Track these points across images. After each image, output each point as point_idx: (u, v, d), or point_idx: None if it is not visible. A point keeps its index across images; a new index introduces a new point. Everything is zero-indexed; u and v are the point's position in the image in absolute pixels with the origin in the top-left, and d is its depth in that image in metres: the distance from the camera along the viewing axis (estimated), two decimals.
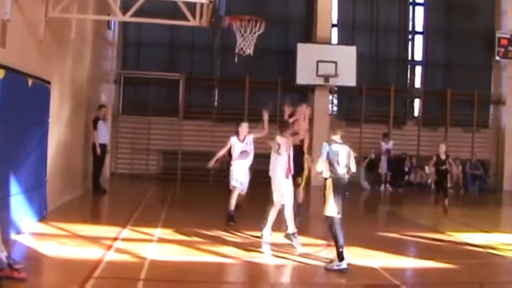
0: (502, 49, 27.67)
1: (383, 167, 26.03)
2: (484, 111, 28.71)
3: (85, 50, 18.62)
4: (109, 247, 10.71)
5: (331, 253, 10.60)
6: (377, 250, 11.59)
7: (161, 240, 11.83)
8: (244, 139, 14.50)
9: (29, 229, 11.65)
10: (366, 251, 11.42)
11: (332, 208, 10.24)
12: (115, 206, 17.87)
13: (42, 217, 13.02)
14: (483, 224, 16.02)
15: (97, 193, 18.92)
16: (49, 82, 13.37)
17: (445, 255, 11.75)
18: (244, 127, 14.62)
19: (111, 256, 10.11)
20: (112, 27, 23.84)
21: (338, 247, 10.05)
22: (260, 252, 11.42)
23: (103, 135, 19.43)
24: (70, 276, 8.69)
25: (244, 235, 12.72)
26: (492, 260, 11.68)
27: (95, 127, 18.93)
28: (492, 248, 12.47)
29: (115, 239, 11.52)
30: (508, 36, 27.70)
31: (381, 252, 11.44)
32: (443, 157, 18.18)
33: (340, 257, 9.99)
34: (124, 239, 11.63)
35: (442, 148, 18.36)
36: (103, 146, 19.25)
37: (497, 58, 27.86)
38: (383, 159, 26.04)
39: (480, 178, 27.10)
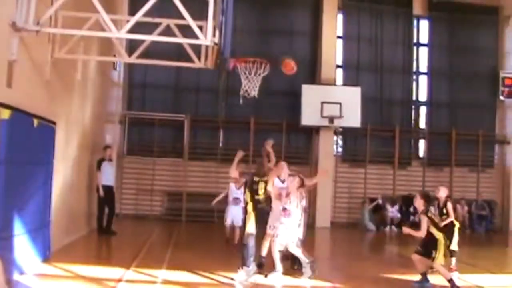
0: (506, 89, 27.76)
1: (393, 212, 25.88)
2: (489, 151, 28.69)
3: (91, 91, 18.70)
4: None
5: None
6: None
7: (165, 282, 11.74)
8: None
9: (32, 270, 11.59)
10: None
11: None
12: (119, 247, 17.78)
13: (46, 258, 12.95)
14: (490, 265, 15.90)
15: (100, 235, 18.69)
16: (54, 123, 13.41)
17: None
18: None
19: None
20: (118, 68, 23.97)
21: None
22: None
23: (108, 176, 19.15)
24: None
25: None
26: None
27: (98, 168, 18.82)
28: None
29: (119, 280, 11.45)
30: None
31: None
32: (441, 203, 14.80)
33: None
34: (128, 281, 11.55)
35: (441, 191, 15.05)
36: (107, 188, 19.03)
37: (502, 97, 27.96)
38: (393, 209, 25.92)
39: (486, 218, 26.98)
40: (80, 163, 17.27)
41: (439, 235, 12.20)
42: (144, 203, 25.80)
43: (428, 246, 12.23)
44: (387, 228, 25.56)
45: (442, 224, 13.59)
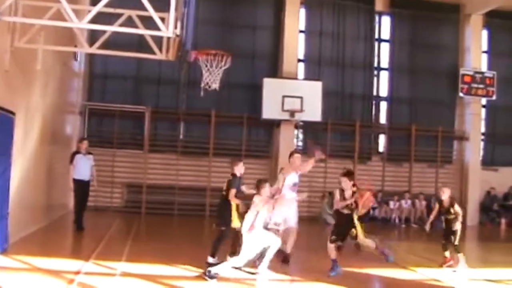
0: (466, 86, 28.19)
1: None
2: (448, 147, 29.09)
3: (51, 81, 18.48)
4: (71, 281, 10.56)
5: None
6: (341, 285, 11.57)
7: (124, 274, 11.69)
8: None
9: None
10: (330, 286, 11.38)
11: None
12: (78, 239, 17.63)
13: (3, 250, 12.81)
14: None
15: (77, 231, 18.07)
16: (13, 113, 13.25)
17: None
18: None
19: None
20: (79, 59, 23.75)
21: None
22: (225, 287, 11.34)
23: (81, 170, 18.17)
24: None
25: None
26: None
27: (71, 161, 18.18)
28: (455, 283, 12.51)
29: (78, 272, 11.37)
30: (471, 73, 28.25)
31: None
32: (446, 204, 14.74)
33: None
34: (86, 273, 11.47)
35: (446, 193, 14.82)
36: (80, 182, 18.09)
37: (461, 94, 28.38)
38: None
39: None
40: (39, 154, 17.06)
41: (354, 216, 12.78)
42: (104, 195, 25.58)
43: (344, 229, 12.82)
44: None
45: (455, 228, 14.41)
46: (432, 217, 15.23)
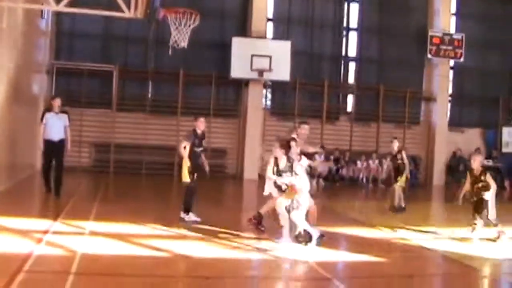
0: (434, 48, 28.31)
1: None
2: (416, 107, 29.33)
3: (17, 39, 18.22)
4: (40, 241, 10.52)
5: (264, 243, 10.71)
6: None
7: (92, 233, 11.67)
8: None
9: None
10: (299, 245, 11.46)
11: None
12: (46, 199, 17.44)
13: None
14: (414, 218, 16.25)
15: (47, 192, 16.89)
16: None
17: (377, 249, 11.89)
18: None
19: (42, 249, 9.91)
20: (46, 17, 23.41)
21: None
22: (193, 245, 11.37)
23: (52, 129, 16.58)
24: None
25: (176, 228, 12.67)
26: (422, 253, 11.86)
27: (41, 119, 16.77)
28: (422, 242, 12.67)
29: (46, 232, 11.33)
30: (440, 35, 28.37)
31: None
32: (477, 172, 13.27)
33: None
34: (55, 232, 11.43)
35: (477, 160, 13.41)
36: (51, 143, 16.62)
37: (429, 56, 28.50)
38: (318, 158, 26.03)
39: (411, 173, 27.50)
40: (5, 113, 16.83)
41: None
42: (71, 154, 25.22)
43: None
44: (314, 182, 25.75)
45: (478, 196, 13.02)
46: (463, 190, 13.43)
